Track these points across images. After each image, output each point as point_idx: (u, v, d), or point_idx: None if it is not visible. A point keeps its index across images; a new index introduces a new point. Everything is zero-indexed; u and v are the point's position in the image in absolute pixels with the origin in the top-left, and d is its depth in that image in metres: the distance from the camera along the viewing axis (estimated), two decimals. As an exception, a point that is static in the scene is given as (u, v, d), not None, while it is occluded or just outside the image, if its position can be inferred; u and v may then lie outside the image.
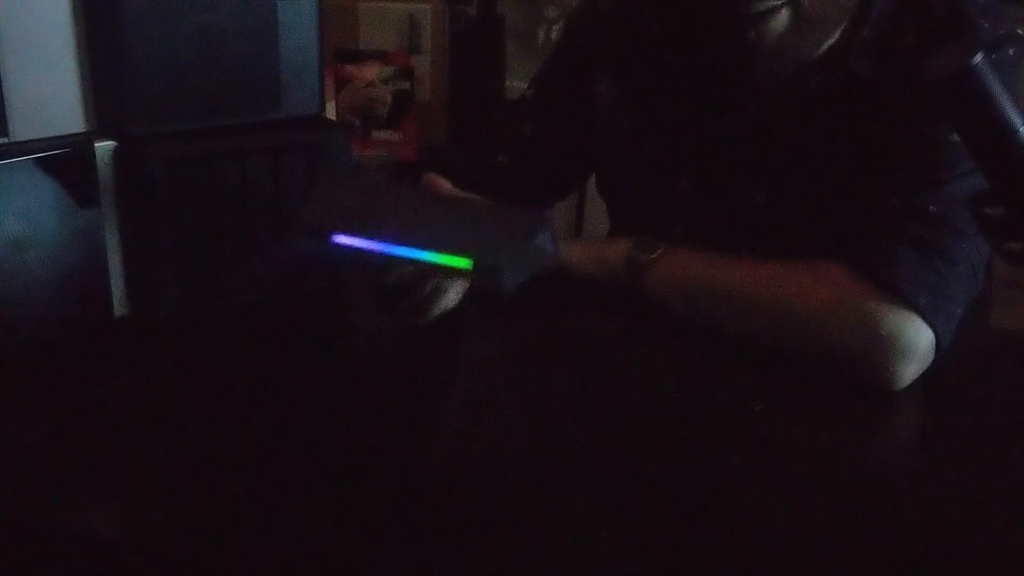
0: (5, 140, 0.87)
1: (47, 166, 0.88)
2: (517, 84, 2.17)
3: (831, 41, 0.97)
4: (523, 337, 0.95)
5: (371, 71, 2.04)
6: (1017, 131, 0.70)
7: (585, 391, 0.86)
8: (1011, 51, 0.93)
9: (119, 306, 0.95)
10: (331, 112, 2.00)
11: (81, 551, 0.67)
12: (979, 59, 0.70)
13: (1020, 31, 0.97)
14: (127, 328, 0.95)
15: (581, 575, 0.64)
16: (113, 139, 0.92)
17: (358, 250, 0.76)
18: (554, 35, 2.18)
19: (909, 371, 0.87)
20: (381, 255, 0.75)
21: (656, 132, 1.08)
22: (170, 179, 0.93)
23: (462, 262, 0.74)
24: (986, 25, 0.94)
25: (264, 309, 0.97)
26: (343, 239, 0.76)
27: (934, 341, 0.88)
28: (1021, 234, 0.73)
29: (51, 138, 0.90)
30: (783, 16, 0.92)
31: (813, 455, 0.77)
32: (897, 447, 0.81)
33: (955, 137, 0.86)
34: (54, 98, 0.90)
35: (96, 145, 0.91)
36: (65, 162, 0.90)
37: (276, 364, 0.91)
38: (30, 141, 0.89)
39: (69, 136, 0.91)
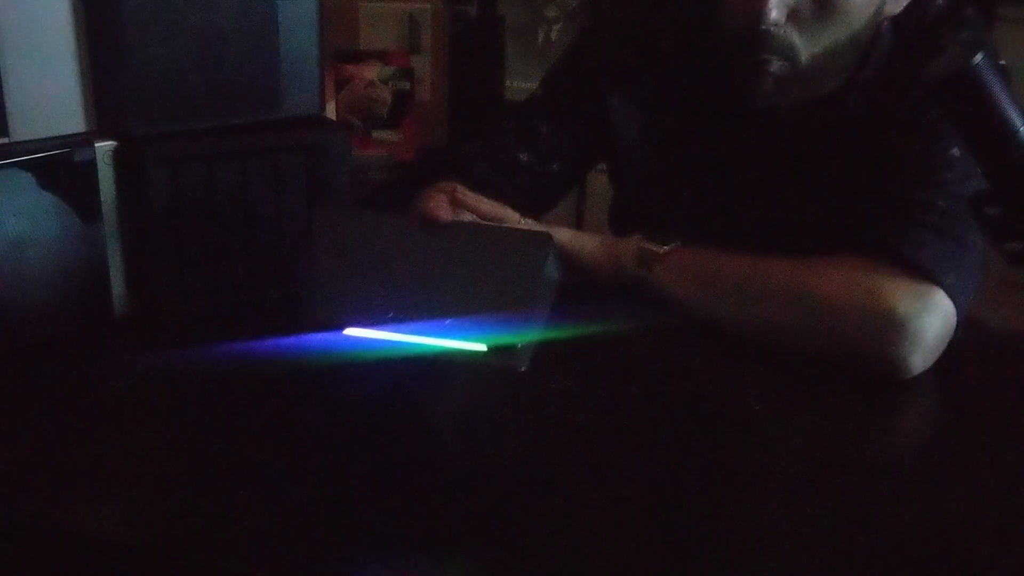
0: (5, 140, 0.87)
1: (47, 166, 0.88)
2: (517, 84, 2.17)
3: (832, 85, 1.01)
4: (532, 362, 0.95)
5: (371, 71, 2.04)
6: (1017, 131, 0.70)
7: (584, 390, 0.86)
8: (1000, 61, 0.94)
9: (119, 306, 0.95)
10: (331, 112, 2.00)
11: (81, 551, 0.67)
12: (979, 59, 0.70)
13: (992, 41, 0.99)
14: (127, 328, 0.94)
15: (581, 575, 0.64)
16: (113, 139, 0.92)
17: (371, 340, 0.76)
18: (554, 35, 2.18)
19: (931, 351, 0.88)
20: (395, 345, 0.75)
21: (662, 144, 1.10)
22: (170, 179, 0.93)
23: (477, 347, 0.74)
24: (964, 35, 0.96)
25: (264, 308, 0.97)
26: (356, 332, 0.75)
27: (955, 321, 0.88)
28: (1021, 234, 0.73)
29: (51, 138, 0.90)
30: (782, 67, 0.96)
31: (813, 455, 0.77)
32: (896, 447, 0.81)
33: (955, 151, 0.91)
34: (54, 98, 0.90)
35: (96, 145, 0.91)
36: (65, 162, 0.90)
37: (276, 363, 0.91)
38: (30, 141, 0.89)
39: (69, 136, 0.91)
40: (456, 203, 0.95)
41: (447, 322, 0.74)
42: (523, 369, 0.75)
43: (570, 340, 0.94)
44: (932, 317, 0.87)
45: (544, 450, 0.78)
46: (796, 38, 0.95)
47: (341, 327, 0.75)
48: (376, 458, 0.76)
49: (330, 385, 0.88)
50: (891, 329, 0.87)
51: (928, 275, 0.88)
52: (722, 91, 1.05)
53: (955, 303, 0.88)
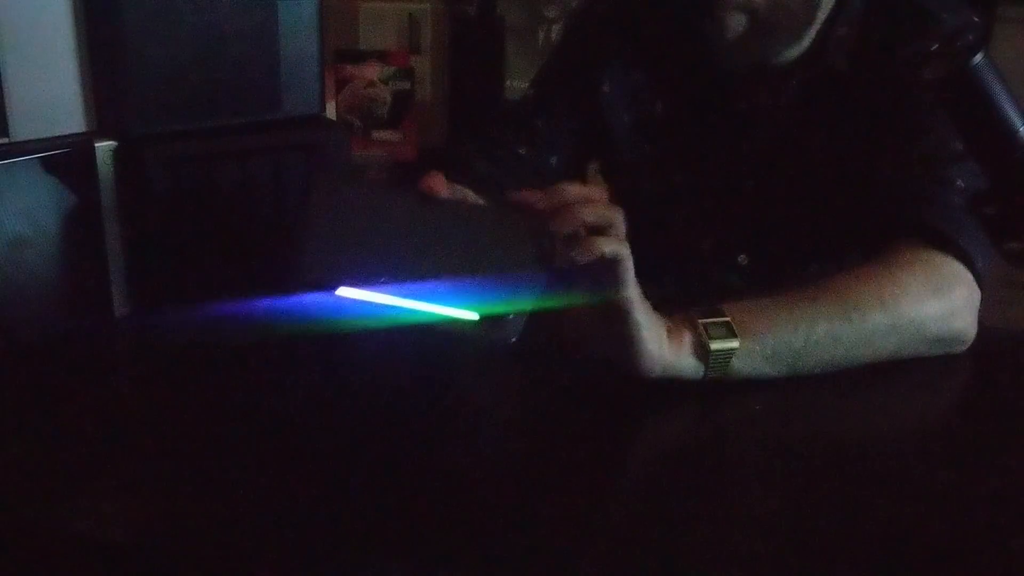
0: (5, 140, 0.87)
1: (47, 166, 0.89)
2: (517, 84, 2.17)
3: (803, 44, 1.02)
4: (522, 335, 0.95)
5: (371, 71, 2.04)
6: (1017, 131, 0.70)
7: (583, 390, 0.86)
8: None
9: (119, 306, 0.95)
10: (331, 112, 2.00)
11: (81, 551, 0.67)
12: (979, 59, 0.70)
13: (976, 18, 1.00)
14: (127, 328, 0.94)
15: (581, 574, 0.64)
16: (113, 139, 0.92)
17: (362, 303, 0.75)
18: (554, 35, 2.18)
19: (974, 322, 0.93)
20: (386, 309, 0.75)
21: (653, 128, 1.11)
22: (170, 179, 0.93)
23: (468, 315, 0.74)
24: (945, 16, 0.97)
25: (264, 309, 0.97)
26: (347, 292, 0.75)
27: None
28: (1021, 234, 0.73)
29: (51, 138, 0.90)
30: (740, 20, 0.98)
31: (813, 456, 0.77)
32: (896, 447, 0.81)
33: None
34: (54, 98, 0.90)
35: (96, 145, 0.91)
36: (65, 162, 0.90)
37: (276, 364, 0.91)
38: (30, 141, 0.89)
39: (69, 136, 0.91)
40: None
41: (440, 290, 0.74)
42: (513, 340, 0.74)
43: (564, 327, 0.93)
44: (977, 299, 0.93)
45: (541, 449, 0.78)
46: None
47: (334, 287, 0.75)
48: (378, 458, 0.76)
49: (327, 372, 0.88)
50: (970, 320, 0.92)
51: (969, 262, 0.91)
52: (701, 65, 1.06)
53: (981, 287, 0.93)
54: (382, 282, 0.74)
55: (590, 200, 0.75)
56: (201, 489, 0.71)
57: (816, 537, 0.67)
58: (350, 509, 0.69)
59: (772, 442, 0.79)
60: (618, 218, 0.75)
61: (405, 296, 0.74)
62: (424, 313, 0.74)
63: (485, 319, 0.74)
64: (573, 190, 0.75)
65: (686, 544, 0.67)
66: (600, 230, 0.74)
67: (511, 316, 0.74)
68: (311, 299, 0.76)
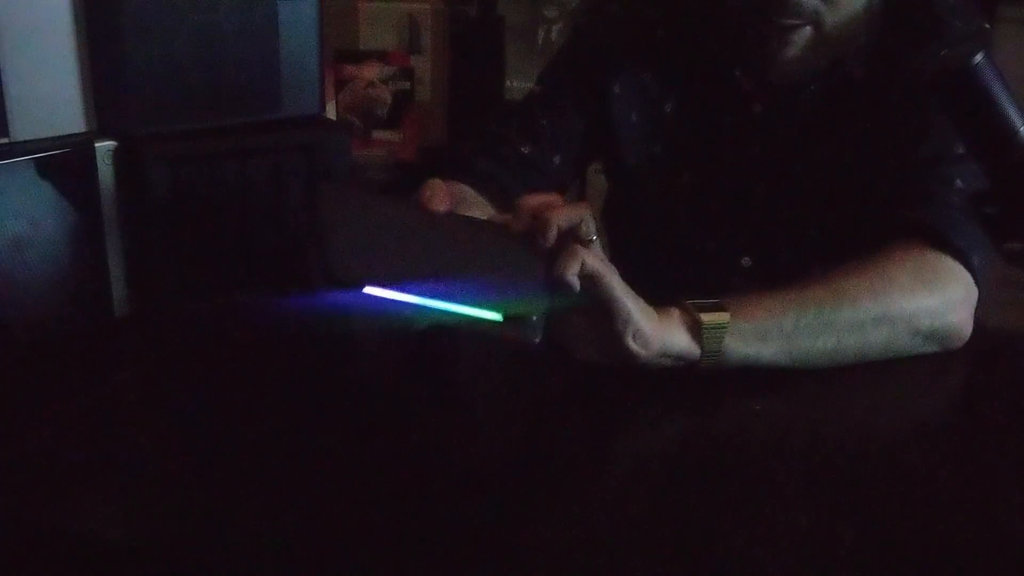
0: (5, 140, 0.87)
1: (47, 166, 0.89)
2: (517, 84, 2.17)
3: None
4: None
5: (371, 71, 2.04)
6: (1017, 131, 0.70)
7: (584, 390, 0.86)
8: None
9: (119, 306, 0.95)
10: (331, 112, 2.00)
11: (81, 551, 0.67)
12: (979, 59, 0.70)
13: (986, 25, 1.00)
14: (127, 328, 0.94)
15: (578, 573, 0.64)
16: (113, 139, 0.92)
17: (387, 301, 0.75)
18: (554, 35, 2.18)
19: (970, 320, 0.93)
20: (410, 307, 0.75)
21: (662, 128, 1.10)
22: (170, 179, 0.93)
23: (492, 316, 0.74)
24: (957, 23, 0.97)
25: (264, 308, 0.97)
26: (373, 291, 0.75)
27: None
28: (1021, 234, 0.73)
29: (51, 138, 0.90)
30: (806, 33, 0.97)
31: (812, 456, 0.77)
32: (896, 447, 0.81)
33: None
34: (54, 98, 0.90)
35: (96, 145, 0.91)
36: (65, 162, 0.90)
37: (276, 363, 0.91)
38: (30, 141, 0.89)
39: (69, 136, 0.91)
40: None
41: (463, 291, 0.74)
42: (537, 341, 0.75)
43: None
44: (974, 297, 0.93)
45: (543, 449, 0.78)
46: (819, 2, 0.95)
47: (361, 285, 0.75)
48: (378, 457, 0.76)
49: (328, 373, 0.88)
50: (966, 316, 0.92)
51: (965, 259, 0.91)
52: (727, 67, 1.05)
53: (978, 285, 0.93)
54: (410, 282, 0.74)
55: (555, 204, 0.74)
56: (201, 489, 0.71)
57: (816, 537, 0.67)
58: (349, 509, 0.69)
59: (772, 442, 0.79)
60: (587, 214, 0.76)
61: (430, 296, 0.74)
62: (449, 312, 0.74)
63: (508, 320, 0.74)
64: (534, 199, 0.75)
65: (685, 545, 0.67)
66: (573, 229, 0.74)
67: (534, 318, 0.74)
68: (338, 296, 0.75)
